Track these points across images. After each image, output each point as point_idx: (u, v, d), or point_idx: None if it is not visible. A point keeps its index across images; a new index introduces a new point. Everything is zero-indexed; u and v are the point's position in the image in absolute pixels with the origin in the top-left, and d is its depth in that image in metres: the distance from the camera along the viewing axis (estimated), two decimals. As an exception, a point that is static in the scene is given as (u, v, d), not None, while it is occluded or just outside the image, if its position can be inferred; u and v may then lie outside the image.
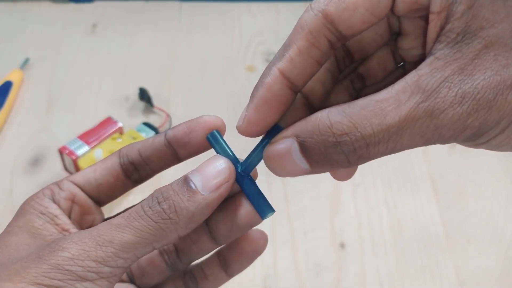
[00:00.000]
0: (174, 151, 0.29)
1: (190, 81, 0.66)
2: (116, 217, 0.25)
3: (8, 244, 0.26)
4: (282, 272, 0.48)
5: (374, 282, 0.48)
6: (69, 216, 0.29)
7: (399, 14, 0.24)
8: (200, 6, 0.75)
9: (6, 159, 0.57)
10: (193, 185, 0.25)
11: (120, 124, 0.56)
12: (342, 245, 0.50)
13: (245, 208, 0.28)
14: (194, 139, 0.28)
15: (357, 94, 0.28)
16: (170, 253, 0.31)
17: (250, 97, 0.25)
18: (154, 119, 0.60)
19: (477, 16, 0.22)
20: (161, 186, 0.26)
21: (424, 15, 0.24)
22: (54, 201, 0.28)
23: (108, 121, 0.56)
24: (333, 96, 0.28)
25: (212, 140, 0.28)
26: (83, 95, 0.64)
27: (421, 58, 0.23)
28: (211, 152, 0.28)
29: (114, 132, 0.56)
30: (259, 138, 0.27)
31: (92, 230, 0.25)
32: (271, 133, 0.26)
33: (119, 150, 0.30)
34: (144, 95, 0.61)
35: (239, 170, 0.27)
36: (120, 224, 0.24)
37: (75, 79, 0.65)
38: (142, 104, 0.62)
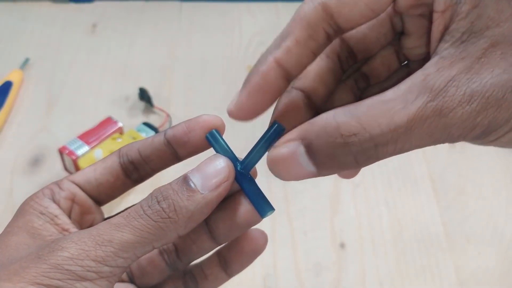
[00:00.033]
0: (174, 151, 0.29)
1: (190, 81, 0.66)
2: (116, 216, 0.25)
3: (8, 244, 0.26)
4: (282, 272, 0.48)
5: (374, 282, 0.48)
6: (69, 216, 0.29)
7: (400, 10, 0.24)
8: (200, 6, 0.75)
9: (6, 159, 0.57)
10: (192, 184, 0.25)
11: (120, 124, 0.56)
12: (342, 245, 0.50)
13: (245, 207, 0.28)
14: (193, 138, 0.28)
15: (361, 93, 0.28)
16: (170, 252, 0.31)
17: (244, 82, 0.25)
18: (154, 119, 0.60)
19: (482, 16, 0.22)
20: (160, 186, 0.26)
21: (427, 14, 0.24)
22: (54, 201, 0.28)
23: (108, 121, 0.56)
24: (337, 96, 0.28)
25: (212, 139, 0.28)
26: (83, 95, 0.64)
27: (425, 57, 0.23)
28: (211, 151, 0.28)
29: (114, 132, 0.56)
30: (259, 137, 0.27)
31: (92, 230, 0.25)
32: (270, 131, 0.26)
33: (119, 150, 0.30)
34: (144, 95, 0.61)
35: (238, 169, 0.27)
36: (119, 224, 0.24)
37: (75, 79, 0.65)
38: (142, 104, 0.62)
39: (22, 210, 0.28)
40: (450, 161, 0.58)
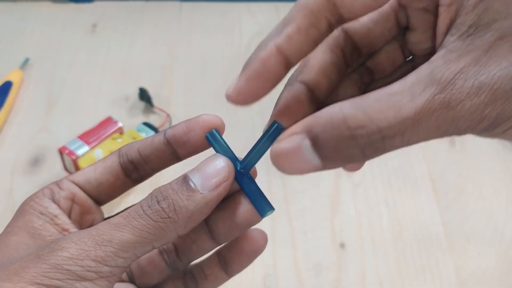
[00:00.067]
0: (174, 150, 0.29)
1: (190, 81, 0.66)
2: (115, 216, 0.25)
3: (8, 245, 0.26)
4: (282, 272, 0.48)
5: (374, 282, 0.48)
6: (69, 216, 0.29)
7: (404, 3, 0.24)
8: (200, 6, 0.75)
9: (6, 159, 0.57)
10: (192, 184, 0.25)
11: (120, 124, 0.56)
12: (342, 245, 0.50)
13: (245, 207, 0.28)
14: (193, 138, 0.28)
15: (365, 88, 0.28)
16: (169, 252, 0.31)
17: (243, 67, 0.25)
18: (154, 119, 0.60)
19: (489, 9, 0.22)
20: (160, 185, 0.26)
21: (432, 9, 0.24)
22: (54, 201, 0.28)
23: (108, 121, 0.56)
24: (342, 91, 0.28)
25: (211, 139, 0.28)
26: (83, 95, 0.64)
27: (431, 52, 0.23)
28: (211, 151, 0.28)
29: (114, 132, 0.56)
30: (259, 136, 0.27)
31: (92, 230, 0.25)
32: (269, 131, 0.26)
33: (119, 149, 0.30)
34: (144, 95, 0.61)
35: (238, 169, 0.27)
36: (119, 224, 0.24)
37: (75, 79, 0.65)
38: (142, 104, 0.62)
39: (22, 210, 0.28)
40: (450, 161, 0.58)
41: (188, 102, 0.63)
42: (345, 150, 0.22)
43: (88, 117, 0.59)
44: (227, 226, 0.29)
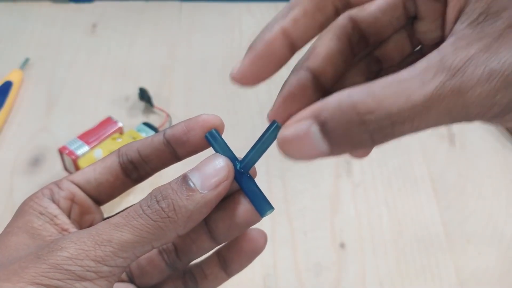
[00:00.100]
0: (173, 150, 0.29)
1: (190, 81, 0.66)
2: (115, 216, 0.25)
3: (7, 245, 0.26)
4: (282, 272, 0.48)
5: (374, 282, 0.48)
6: (69, 216, 0.29)
7: None
8: (200, 6, 0.75)
9: (6, 159, 0.57)
10: (191, 184, 0.25)
11: (120, 124, 0.56)
12: (342, 245, 0.50)
13: (244, 206, 0.28)
14: (192, 138, 0.28)
15: (373, 77, 0.28)
16: (169, 252, 0.31)
17: (248, 48, 0.24)
18: (154, 119, 0.60)
19: None
20: (160, 185, 0.26)
21: None
22: (54, 201, 0.28)
23: (108, 121, 0.56)
24: (348, 79, 0.28)
25: (211, 139, 0.28)
26: (83, 95, 0.63)
27: (439, 41, 0.23)
28: (210, 151, 0.28)
29: (114, 132, 0.56)
30: (258, 136, 0.27)
31: (91, 230, 0.25)
32: (269, 130, 0.26)
33: (119, 149, 0.30)
34: (144, 95, 0.61)
35: (237, 168, 0.27)
36: (119, 223, 0.24)
37: (75, 79, 0.65)
38: (142, 104, 0.62)
39: (22, 211, 0.28)
40: (450, 161, 0.58)
41: (188, 102, 0.63)
42: (354, 136, 0.22)
43: (88, 117, 0.59)
44: (227, 226, 0.29)
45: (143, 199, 0.25)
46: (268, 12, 0.75)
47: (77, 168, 0.53)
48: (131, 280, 0.32)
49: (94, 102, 0.63)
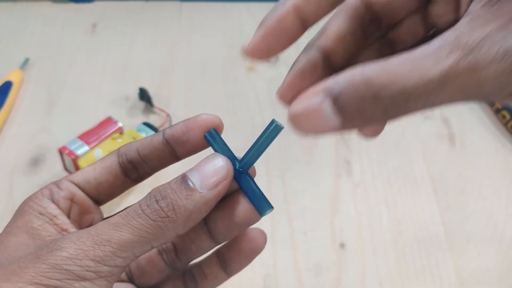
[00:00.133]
0: (172, 150, 0.29)
1: (190, 81, 0.66)
2: (114, 216, 0.25)
3: (7, 245, 0.26)
4: (282, 272, 0.48)
5: (374, 282, 0.48)
6: (68, 216, 0.29)
7: None
8: (200, 6, 0.75)
9: (6, 159, 0.57)
10: (191, 183, 0.25)
11: (120, 124, 0.56)
12: (342, 245, 0.50)
13: (243, 206, 0.28)
14: (192, 137, 0.28)
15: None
16: (169, 252, 0.31)
17: (260, 23, 0.25)
18: (154, 119, 0.60)
19: None
20: (159, 185, 0.26)
21: None
22: (53, 201, 0.28)
23: (108, 121, 0.56)
24: (361, 60, 0.27)
25: (210, 138, 0.28)
26: (83, 95, 0.63)
27: (453, 24, 0.23)
28: (210, 150, 0.28)
29: (114, 132, 0.56)
30: (256, 136, 0.27)
31: (90, 230, 0.25)
32: (268, 130, 0.26)
33: (118, 149, 0.30)
34: (144, 95, 0.61)
35: (237, 168, 0.27)
36: (118, 223, 0.24)
37: (75, 79, 0.65)
38: (142, 104, 0.62)
39: (21, 211, 0.28)
40: (450, 161, 0.58)
41: (188, 102, 0.63)
42: (367, 111, 0.22)
43: (88, 117, 0.59)
44: (226, 225, 0.29)
45: (142, 199, 0.25)
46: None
47: (77, 168, 0.53)
48: (130, 280, 0.32)
49: (94, 102, 0.63)
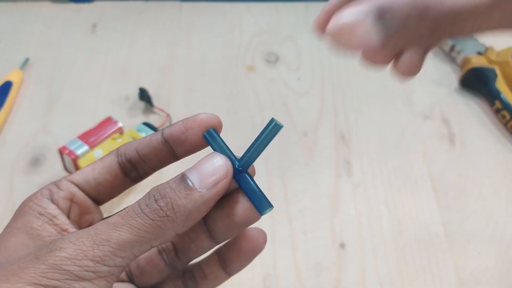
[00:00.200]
0: (171, 149, 0.29)
1: (190, 81, 0.66)
2: (114, 216, 0.25)
3: (7, 246, 0.26)
4: (282, 272, 0.48)
5: (374, 282, 0.48)
6: (68, 216, 0.29)
7: None
8: (200, 6, 0.75)
9: (6, 159, 0.57)
10: (190, 183, 0.25)
11: (120, 124, 0.56)
12: (342, 245, 0.50)
13: (243, 205, 0.28)
14: (190, 137, 0.28)
15: None
16: (169, 252, 0.31)
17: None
18: (154, 119, 0.60)
19: None
20: (158, 184, 0.26)
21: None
22: (53, 201, 0.28)
23: (108, 121, 0.56)
24: None
25: (209, 138, 0.27)
26: (83, 95, 0.63)
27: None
28: (209, 150, 0.28)
29: (114, 132, 0.56)
30: (256, 135, 0.27)
31: (89, 230, 0.25)
32: (267, 129, 0.26)
33: (117, 149, 0.30)
34: (144, 95, 0.61)
35: (236, 167, 0.27)
36: (117, 223, 0.24)
37: (75, 79, 0.65)
38: (142, 104, 0.62)
39: (21, 211, 0.28)
40: (450, 161, 0.58)
41: (188, 102, 0.63)
42: (411, 30, 0.21)
43: (88, 117, 0.59)
44: (226, 225, 0.29)
45: (141, 199, 0.25)
46: (268, 12, 0.74)
47: (77, 168, 0.53)
48: (130, 279, 0.32)
49: (94, 102, 0.63)
